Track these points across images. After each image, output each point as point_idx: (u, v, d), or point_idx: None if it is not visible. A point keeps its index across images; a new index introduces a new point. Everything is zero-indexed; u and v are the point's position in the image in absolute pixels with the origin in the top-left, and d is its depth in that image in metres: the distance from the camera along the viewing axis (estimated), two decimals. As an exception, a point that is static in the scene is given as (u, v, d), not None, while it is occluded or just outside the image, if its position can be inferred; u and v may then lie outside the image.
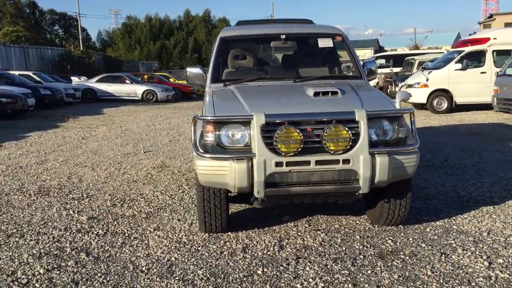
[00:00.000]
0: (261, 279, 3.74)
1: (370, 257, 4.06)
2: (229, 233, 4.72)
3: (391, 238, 4.49)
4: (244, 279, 3.75)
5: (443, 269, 3.80)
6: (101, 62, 39.93)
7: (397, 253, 4.13)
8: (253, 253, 4.25)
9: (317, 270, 3.84)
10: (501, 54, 15.18)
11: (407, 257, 4.04)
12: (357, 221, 4.98)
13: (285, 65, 6.00)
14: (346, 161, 4.09)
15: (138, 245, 4.51)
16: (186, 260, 4.14)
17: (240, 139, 4.18)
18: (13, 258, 4.24)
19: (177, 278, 3.80)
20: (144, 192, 6.37)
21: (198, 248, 4.40)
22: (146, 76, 27.74)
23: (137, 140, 10.72)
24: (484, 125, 12.22)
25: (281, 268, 3.92)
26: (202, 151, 4.21)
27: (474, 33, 19.11)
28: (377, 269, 3.83)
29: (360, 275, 3.74)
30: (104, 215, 5.43)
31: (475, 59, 15.50)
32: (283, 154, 4.04)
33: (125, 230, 4.91)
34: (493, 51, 15.20)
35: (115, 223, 5.15)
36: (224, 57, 5.79)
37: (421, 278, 3.65)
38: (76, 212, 5.55)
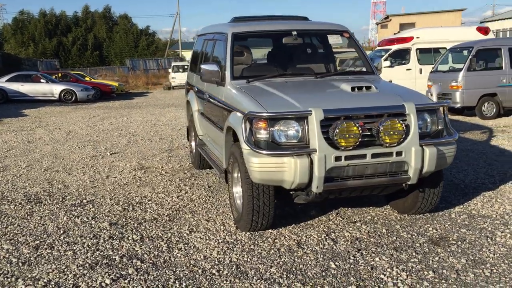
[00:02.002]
0: (340, 272, 3.80)
1: (426, 245, 4.27)
2: (269, 230, 4.70)
3: (429, 225, 4.74)
4: (323, 273, 3.79)
5: (499, 251, 4.10)
6: (-3, 60, 36.86)
7: (447, 240, 4.38)
8: (310, 248, 4.28)
9: (388, 260, 3.97)
10: (423, 52, 16.34)
11: (459, 242, 4.30)
12: (384, 212, 5.18)
13: (295, 61, 6.05)
14: (399, 153, 4.27)
15: (186, 248, 4.36)
16: (248, 260, 4.08)
17: (294, 135, 4.19)
18: (63, 270, 3.93)
19: (255, 278, 3.75)
20: (146, 194, 6.11)
21: (251, 247, 4.35)
22: (59, 74, 26.14)
23: (92, 142, 10.16)
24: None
25: (351, 260, 4.00)
26: (256, 148, 4.16)
27: (398, 32, 20.34)
28: (442, 255, 4.05)
29: (431, 262, 3.93)
30: (124, 220, 5.16)
31: (400, 57, 16.52)
32: (343, 148, 4.11)
33: (160, 234, 4.71)
34: (417, 49, 16.29)
35: (143, 227, 4.91)
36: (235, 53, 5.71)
37: (488, 261, 3.92)
38: (91, 218, 5.21)
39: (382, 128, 4.16)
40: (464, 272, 3.73)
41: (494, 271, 3.74)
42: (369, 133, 4.23)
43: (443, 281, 3.60)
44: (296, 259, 4.06)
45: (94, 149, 9.39)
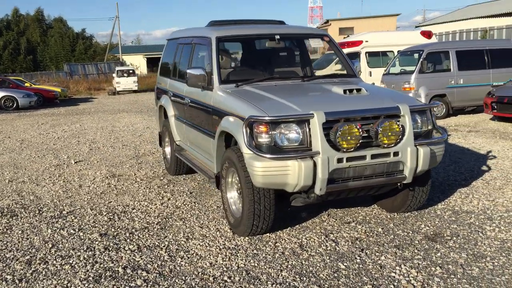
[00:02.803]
0: (351, 272, 3.86)
1: (424, 242, 4.42)
2: (267, 234, 4.70)
3: (420, 223, 4.91)
4: (335, 274, 3.84)
5: (494, 245, 4.31)
6: None
7: (442, 236, 4.55)
8: (314, 250, 4.32)
9: (394, 259, 4.08)
10: (372, 55, 16.86)
11: (454, 238, 4.48)
12: (374, 211, 5.31)
13: (278, 64, 6.08)
14: (396, 154, 4.40)
15: (188, 256, 4.28)
16: (256, 265, 4.06)
17: (295, 138, 4.22)
18: (66, 285, 3.75)
19: (270, 282, 3.74)
20: (128, 203, 5.94)
21: (254, 251, 4.33)
22: (-3, 81, 24.82)
23: (51, 151, 9.74)
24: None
25: (358, 260, 4.07)
26: (258, 152, 4.16)
27: (348, 36, 20.86)
28: (442, 251, 4.20)
29: (434, 258, 4.07)
30: (113, 230, 4.99)
31: (351, 59, 16.96)
32: (344, 150, 4.19)
33: (157, 243, 4.60)
34: (366, 52, 16.79)
35: (136, 237, 4.78)
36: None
37: (487, 255, 4.10)
38: (77, 230, 5.00)
39: (380, 129, 4.27)
40: (468, 266, 3.89)
41: (496, 264, 3.93)
42: (366, 134, 4.33)
43: (452, 276, 3.74)
44: (303, 262, 4.08)
45: (56, 157, 9.01)
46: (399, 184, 4.62)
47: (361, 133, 4.22)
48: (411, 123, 4.42)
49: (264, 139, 4.19)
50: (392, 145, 4.35)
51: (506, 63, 13.31)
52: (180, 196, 6.15)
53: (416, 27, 41.52)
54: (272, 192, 4.46)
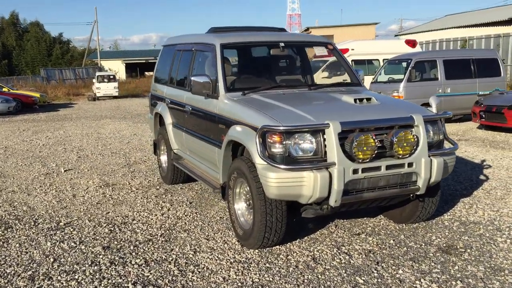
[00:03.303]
0: (371, 286, 3.76)
1: (438, 254, 4.35)
2: (277, 246, 4.58)
3: (431, 234, 4.85)
4: (355, 289, 3.73)
5: (510, 257, 4.27)
6: None
7: (455, 248, 4.49)
8: (328, 263, 4.21)
9: (412, 272, 4.00)
10: (358, 63, 16.91)
11: (468, 250, 4.42)
12: (381, 222, 5.23)
13: (281, 72, 5.99)
14: (410, 164, 4.34)
15: (199, 270, 4.13)
16: (271, 279, 3.94)
17: (308, 148, 4.12)
18: (76, 304, 3.55)
19: (289, 298, 3.61)
20: (126, 214, 5.75)
21: (266, 265, 4.21)
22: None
23: (38, 158, 9.45)
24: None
25: (375, 274, 3.98)
26: (272, 162, 4.05)
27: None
28: (459, 264, 4.14)
29: (453, 271, 4.00)
30: (116, 243, 4.81)
31: (336, 68, 16.99)
32: (360, 161, 4.10)
33: (164, 257, 4.43)
34: (352, 60, 16.85)
35: (141, 250, 4.60)
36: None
37: (505, 267, 4.06)
38: (78, 243, 4.81)
39: (396, 139, 4.20)
40: (488, 280, 3.83)
41: (515, 277, 3.88)
42: (380, 145, 4.26)
43: (474, 290, 3.68)
44: (319, 276, 3.97)
45: (44, 165, 8.73)
46: (412, 195, 4.56)
47: (376, 143, 4.15)
48: (425, 133, 4.37)
49: (277, 149, 4.09)
50: (407, 155, 4.29)
51: (492, 72, 13.50)
52: (180, 206, 5.99)
53: (396, 35, 42.03)
54: (284, 203, 4.35)
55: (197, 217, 5.56)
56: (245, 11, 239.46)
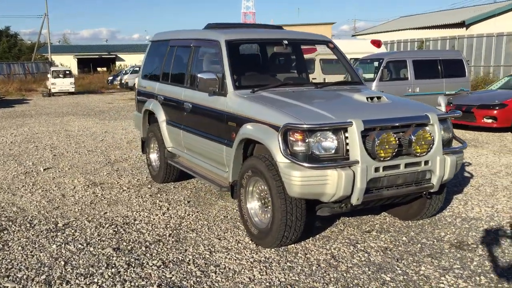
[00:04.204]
0: (399, 284, 3.81)
1: (453, 250, 4.45)
2: (292, 245, 4.56)
3: (438, 230, 4.96)
4: (384, 287, 3.75)
5: (520, 251, 4.41)
6: None
7: (467, 244, 4.61)
8: (349, 261, 4.23)
9: (434, 269, 4.07)
10: (326, 62, 17.08)
11: (481, 245, 4.55)
12: (386, 219, 5.31)
13: (284, 70, 5.96)
14: (426, 162, 4.42)
15: (222, 271, 4.06)
16: (298, 278, 3.92)
17: (330, 147, 4.12)
18: (105, 308, 3.40)
19: (322, 296, 3.59)
20: (125, 214, 5.58)
21: (288, 264, 4.18)
22: None
23: (11, 157, 9.01)
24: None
25: (400, 271, 4.03)
26: (296, 160, 4.02)
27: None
28: (476, 259, 4.25)
29: (472, 266, 4.10)
30: (125, 244, 4.65)
31: (308, 67, 17.13)
32: (381, 159, 4.14)
33: (180, 258, 4.33)
34: (320, 59, 17.02)
35: (154, 251, 4.47)
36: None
37: (520, 261, 4.19)
38: (85, 245, 4.61)
39: (414, 138, 4.27)
40: (511, 274, 3.95)
41: (534, 271, 4.02)
42: (400, 143, 4.31)
43: (499, 285, 3.77)
44: (345, 274, 3.97)
45: (20, 164, 8.34)
46: (425, 193, 4.65)
47: (397, 141, 4.20)
48: (440, 131, 4.46)
49: (300, 147, 4.06)
50: (424, 153, 4.36)
51: (457, 73, 13.94)
52: (179, 205, 5.86)
53: (353, 36, 42.82)
54: (304, 202, 4.33)
55: (200, 216, 5.46)
56: (198, 7, 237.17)
